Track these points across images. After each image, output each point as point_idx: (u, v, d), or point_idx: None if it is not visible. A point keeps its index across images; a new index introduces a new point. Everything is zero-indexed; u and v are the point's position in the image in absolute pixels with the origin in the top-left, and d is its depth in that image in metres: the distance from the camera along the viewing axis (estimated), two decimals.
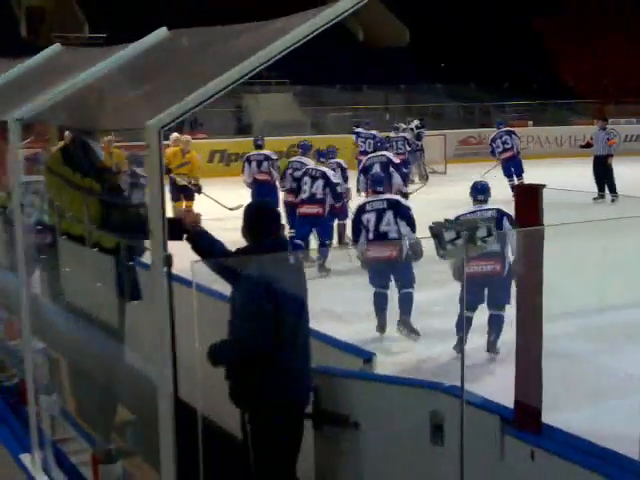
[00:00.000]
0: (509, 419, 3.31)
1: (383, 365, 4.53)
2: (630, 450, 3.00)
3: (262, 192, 13.22)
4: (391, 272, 8.25)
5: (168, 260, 2.71)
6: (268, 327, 3.82)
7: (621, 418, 3.79)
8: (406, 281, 8.17)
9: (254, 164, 13.85)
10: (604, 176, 17.55)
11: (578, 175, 17.27)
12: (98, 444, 3.94)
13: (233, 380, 3.97)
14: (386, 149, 14.57)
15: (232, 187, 15.22)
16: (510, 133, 18.65)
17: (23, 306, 4.07)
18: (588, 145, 18.57)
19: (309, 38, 3.31)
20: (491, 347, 6.95)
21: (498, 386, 3.51)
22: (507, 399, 3.35)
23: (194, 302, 2.89)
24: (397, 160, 13.19)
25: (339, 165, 12.57)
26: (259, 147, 14.22)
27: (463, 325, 5.48)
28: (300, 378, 4.05)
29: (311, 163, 12.14)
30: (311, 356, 4.10)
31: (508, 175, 17.67)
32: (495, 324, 7.02)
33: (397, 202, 8.63)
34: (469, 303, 6.57)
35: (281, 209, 11.64)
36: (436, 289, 8.50)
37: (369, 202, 8.67)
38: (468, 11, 32.95)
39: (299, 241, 11.15)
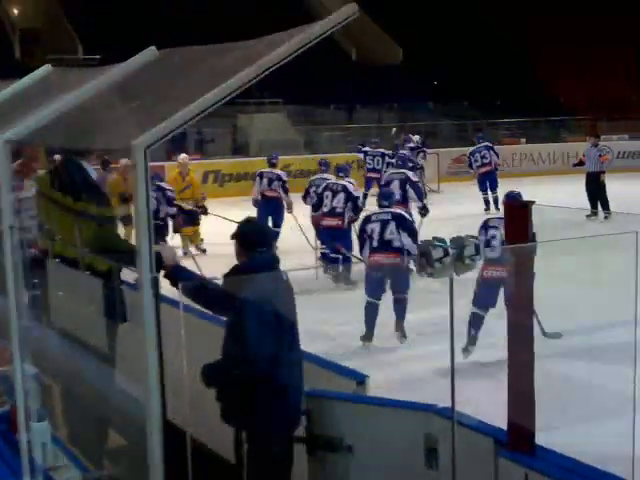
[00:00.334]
0: (503, 441, 3.27)
1: (377, 387, 4.48)
2: (624, 471, 2.96)
3: (269, 208, 13.61)
4: (389, 279, 8.68)
5: (155, 282, 2.68)
6: (269, 346, 3.82)
7: (615, 439, 3.75)
8: (403, 287, 8.68)
9: (265, 181, 14.03)
10: (597, 193, 17.59)
11: (571, 192, 17.29)
12: (90, 471, 3.89)
13: (227, 400, 3.93)
14: (404, 167, 14.27)
15: (227, 207, 15.16)
16: (489, 148, 18.91)
17: (13, 331, 4.03)
18: (581, 163, 18.66)
19: (297, 55, 3.29)
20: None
21: (492, 407, 3.48)
22: (501, 420, 3.31)
23: (181, 324, 2.85)
24: (415, 178, 13.38)
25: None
26: (273, 165, 14.44)
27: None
28: (295, 397, 4.05)
29: (332, 179, 12.47)
30: (303, 375, 4.09)
31: (483, 189, 18.31)
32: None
33: (401, 215, 9.08)
34: (481, 302, 7.16)
35: (285, 226, 13.56)
36: (429, 309, 8.50)
37: (375, 214, 9.14)
38: (460, 29, 33.13)
39: (328, 252, 11.69)
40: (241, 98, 27.07)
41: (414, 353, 7.82)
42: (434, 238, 3.03)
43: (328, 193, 11.79)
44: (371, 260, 8.81)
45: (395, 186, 12.35)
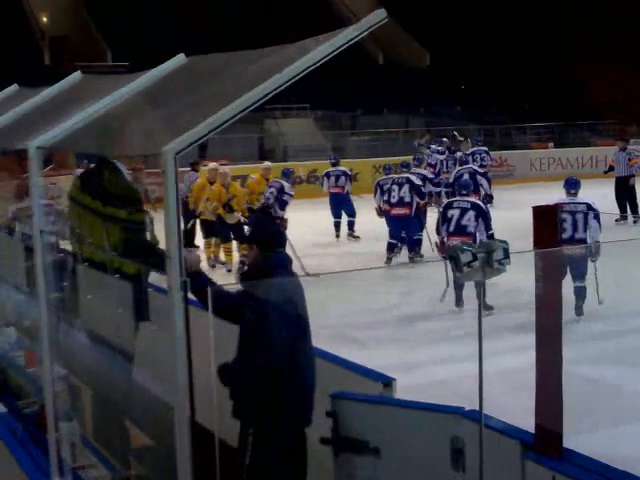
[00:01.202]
0: (530, 444, 3.26)
1: (403, 389, 4.48)
2: None
3: (337, 201, 16.16)
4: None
5: (185, 285, 2.72)
6: (289, 347, 3.87)
7: None
8: None
9: (332, 179, 16.36)
10: (626, 197, 17.44)
11: (600, 197, 17.12)
12: (117, 471, 3.94)
13: (241, 398, 3.97)
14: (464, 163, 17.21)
15: None
16: (487, 152, 19.60)
17: (43, 333, 4.09)
18: (611, 169, 18.50)
19: (325, 61, 3.31)
20: (578, 311, 8.61)
21: (519, 410, 3.47)
22: (528, 423, 3.31)
23: (210, 327, 2.89)
24: (482, 170, 16.33)
25: None
26: (335, 165, 16.73)
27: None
28: (308, 395, 4.12)
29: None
30: (315, 374, 4.14)
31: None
32: (580, 292, 8.77)
33: (479, 205, 10.39)
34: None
35: (354, 216, 15.82)
36: (456, 314, 8.54)
37: (456, 201, 10.43)
38: (488, 33, 33.00)
39: (393, 240, 13.08)
40: (268, 104, 27.08)
41: (440, 356, 7.81)
42: (462, 242, 3.06)
43: (395, 187, 13.26)
44: (450, 243, 9.82)
45: (465, 178, 14.21)
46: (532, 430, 3.29)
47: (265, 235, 4.25)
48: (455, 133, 22.23)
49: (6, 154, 5.59)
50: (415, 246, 13.02)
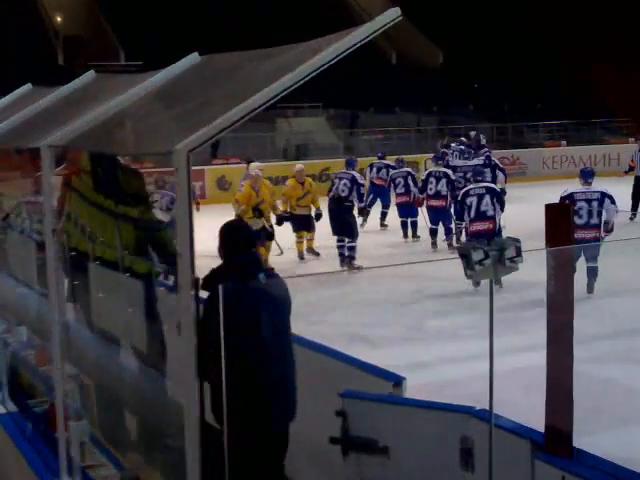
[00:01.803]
0: (540, 443, 3.26)
1: (413, 389, 4.48)
2: None
3: (377, 193, 17.11)
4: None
5: (196, 283, 2.73)
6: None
7: None
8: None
9: (374, 169, 17.63)
10: None
11: (614, 194, 17.08)
12: (126, 470, 3.94)
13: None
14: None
15: None
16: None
17: (54, 331, 4.10)
18: (631, 168, 18.42)
19: (338, 59, 3.31)
20: (590, 289, 9.68)
21: (529, 410, 3.47)
22: (538, 423, 3.30)
23: (221, 325, 2.89)
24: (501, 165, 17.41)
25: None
26: (381, 158, 18.03)
27: None
28: (289, 391, 4.11)
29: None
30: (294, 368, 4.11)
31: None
32: (592, 272, 9.76)
33: (493, 189, 11.41)
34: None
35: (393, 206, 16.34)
36: (466, 313, 8.53)
37: (472, 188, 11.32)
38: (500, 31, 32.91)
39: (433, 226, 14.38)
40: (280, 102, 27.02)
41: (450, 355, 7.80)
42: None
43: (432, 179, 14.44)
44: (472, 229, 10.95)
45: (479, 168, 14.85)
46: (543, 430, 3.29)
47: (225, 239, 4.22)
48: (473, 133, 22.16)
49: (20, 153, 5.61)
50: (451, 234, 14.17)
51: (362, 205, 14.15)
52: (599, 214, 10.20)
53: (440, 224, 14.37)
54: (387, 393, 4.29)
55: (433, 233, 14.35)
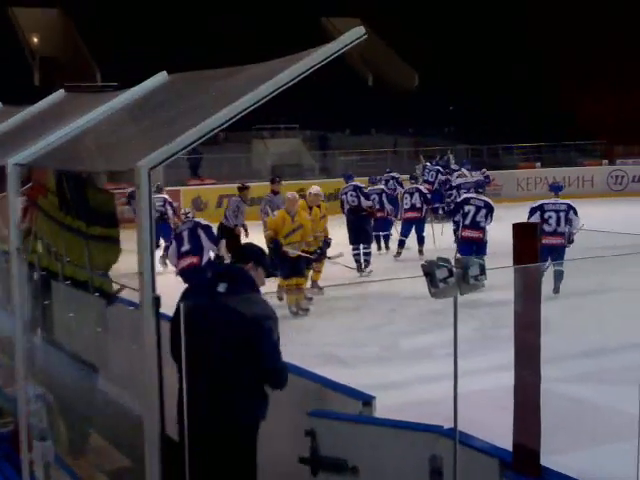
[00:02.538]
0: (508, 462, 3.24)
1: (385, 409, 4.45)
2: None
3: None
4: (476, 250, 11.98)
5: (157, 301, 2.70)
6: None
7: (620, 461, 3.71)
8: (484, 252, 11.99)
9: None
10: None
11: (585, 215, 17.23)
12: None
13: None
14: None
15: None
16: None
17: (18, 351, 4.05)
18: None
19: (315, 81, 3.28)
20: (556, 290, 10.59)
21: (498, 429, 3.45)
22: (507, 442, 3.29)
23: (182, 342, 2.87)
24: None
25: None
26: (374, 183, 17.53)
27: None
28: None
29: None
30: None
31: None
32: (559, 274, 10.83)
33: (491, 205, 12.45)
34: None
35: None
36: (437, 332, 8.53)
37: (472, 198, 12.57)
38: (476, 54, 33.24)
39: (403, 237, 16.00)
40: (257, 123, 27.37)
41: (423, 374, 7.78)
42: (438, 258, 3.07)
43: (407, 195, 16.17)
44: (464, 234, 12.28)
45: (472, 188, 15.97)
46: (511, 449, 3.27)
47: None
48: (450, 155, 22.43)
49: None
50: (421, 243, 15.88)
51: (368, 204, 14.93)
52: (565, 223, 11.44)
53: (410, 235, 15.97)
54: (357, 412, 4.25)
55: (401, 244, 15.95)
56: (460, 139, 29.39)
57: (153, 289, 2.69)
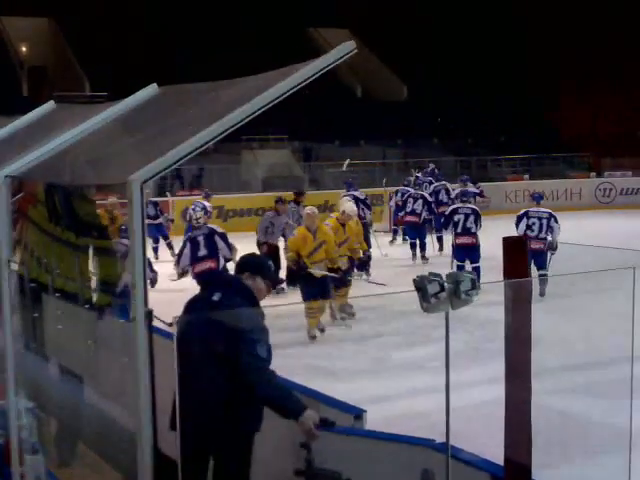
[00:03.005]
0: (499, 476, 3.25)
1: (376, 422, 4.45)
2: None
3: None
4: (468, 256, 13.15)
5: (149, 315, 2.69)
6: None
7: (611, 475, 3.72)
8: (477, 257, 13.09)
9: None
10: None
11: (573, 228, 17.30)
12: None
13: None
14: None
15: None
16: (477, 194, 19.57)
17: (8, 364, 4.03)
18: None
19: (305, 93, 3.29)
20: (542, 292, 10.91)
21: (490, 442, 3.45)
22: (499, 456, 3.29)
23: (175, 357, 2.86)
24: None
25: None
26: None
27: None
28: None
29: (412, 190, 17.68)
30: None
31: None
32: (543, 278, 11.38)
33: (477, 211, 13.51)
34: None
35: None
36: (429, 344, 8.55)
37: (460, 207, 13.58)
38: (464, 67, 33.39)
39: (413, 240, 16.62)
40: (246, 134, 27.40)
41: (414, 387, 7.78)
42: (430, 273, 3.09)
43: (410, 199, 16.78)
44: (457, 241, 13.20)
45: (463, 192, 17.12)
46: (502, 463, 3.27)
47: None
48: (432, 165, 22.36)
49: None
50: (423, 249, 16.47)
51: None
52: (547, 230, 12.43)
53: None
54: (349, 426, 4.25)
55: (413, 247, 16.58)
56: (449, 151, 29.50)
57: (145, 303, 2.68)
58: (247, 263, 4.58)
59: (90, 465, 3.89)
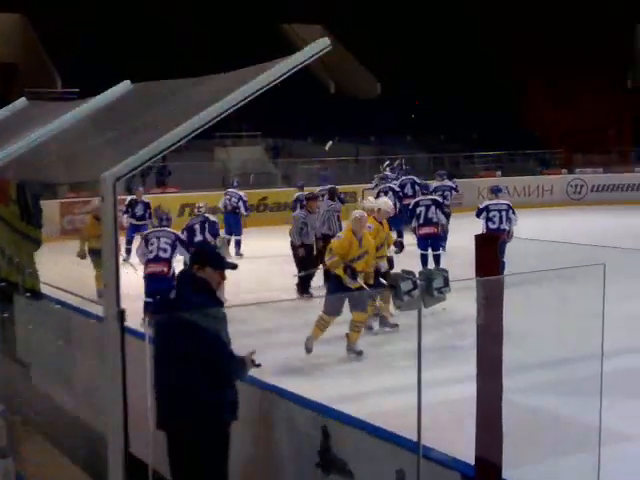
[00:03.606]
0: (470, 476, 3.26)
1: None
2: None
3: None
4: (431, 244, 13.50)
5: (121, 315, 2.68)
6: None
7: (581, 472, 3.76)
8: (441, 244, 14.11)
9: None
10: None
11: (545, 224, 17.45)
12: None
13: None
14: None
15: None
16: (452, 188, 18.41)
17: None
18: None
19: (278, 89, 3.29)
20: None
21: (461, 441, 3.47)
22: (470, 455, 3.30)
23: (147, 356, 2.85)
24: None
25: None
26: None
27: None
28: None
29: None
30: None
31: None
32: (502, 265, 10.63)
33: (438, 200, 14.06)
34: None
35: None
36: (399, 342, 8.61)
37: (422, 200, 13.94)
38: (438, 63, 33.49)
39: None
40: (219, 131, 27.26)
41: (386, 386, 7.78)
42: (403, 271, 3.11)
43: (382, 194, 16.34)
44: (420, 232, 13.43)
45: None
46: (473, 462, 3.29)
47: None
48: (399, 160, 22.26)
49: None
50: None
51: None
52: (507, 221, 12.99)
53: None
54: (320, 426, 4.24)
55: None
56: (422, 148, 29.56)
57: (117, 302, 2.67)
58: (195, 255, 4.73)
59: (58, 466, 3.86)
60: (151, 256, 10.31)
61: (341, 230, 11.38)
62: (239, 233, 17.01)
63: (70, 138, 4.14)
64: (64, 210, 19.19)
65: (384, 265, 9.82)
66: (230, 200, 17.13)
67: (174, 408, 3.92)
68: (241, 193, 17.45)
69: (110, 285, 2.67)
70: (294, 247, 13.03)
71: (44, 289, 4.17)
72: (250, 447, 4.33)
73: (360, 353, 8.90)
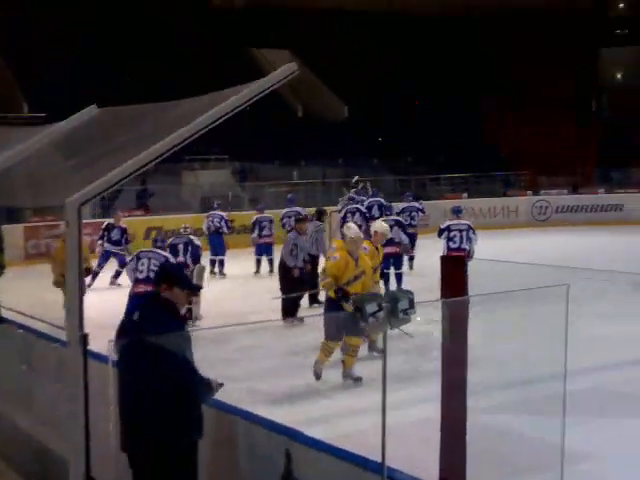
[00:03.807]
0: None
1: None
2: None
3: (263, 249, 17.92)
4: (393, 263, 13.89)
5: (84, 339, 2.68)
6: None
7: None
8: (401, 265, 14.33)
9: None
10: None
11: (511, 246, 17.61)
12: None
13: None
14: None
15: None
16: (419, 209, 19.10)
17: None
18: None
19: (246, 112, 3.31)
20: None
21: (426, 462, 3.49)
22: (434, 475, 3.32)
23: (110, 380, 2.84)
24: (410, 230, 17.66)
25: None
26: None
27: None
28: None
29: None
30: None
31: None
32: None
33: (400, 221, 14.70)
34: None
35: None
36: (364, 364, 8.62)
37: (385, 220, 13.25)
38: (404, 87, 33.79)
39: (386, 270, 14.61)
40: (187, 155, 27.24)
41: (351, 407, 7.78)
42: (369, 293, 3.15)
43: (349, 214, 16.63)
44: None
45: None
46: None
47: None
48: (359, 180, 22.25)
49: None
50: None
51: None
52: (467, 240, 13.35)
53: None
54: (284, 449, 4.23)
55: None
56: (388, 170, 29.73)
57: (81, 327, 2.67)
58: (162, 275, 4.59)
59: None
60: (141, 276, 10.54)
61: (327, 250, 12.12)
62: (223, 253, 17.58)
63: (36, 163, 4.14)
64: (28, 234, 18.97)
65: (380, 289, 10.19)
66: (213, 222, 17.77)
67: (139, 430, 3.89)
68: (223, 213, 18.16)
69: (73, 309, 2.67)
70: (285, 268, 12.90)
71: (6, 314, 4.15)
72: (213, 470, 4.31)
73: (359, 379, 8.65)
